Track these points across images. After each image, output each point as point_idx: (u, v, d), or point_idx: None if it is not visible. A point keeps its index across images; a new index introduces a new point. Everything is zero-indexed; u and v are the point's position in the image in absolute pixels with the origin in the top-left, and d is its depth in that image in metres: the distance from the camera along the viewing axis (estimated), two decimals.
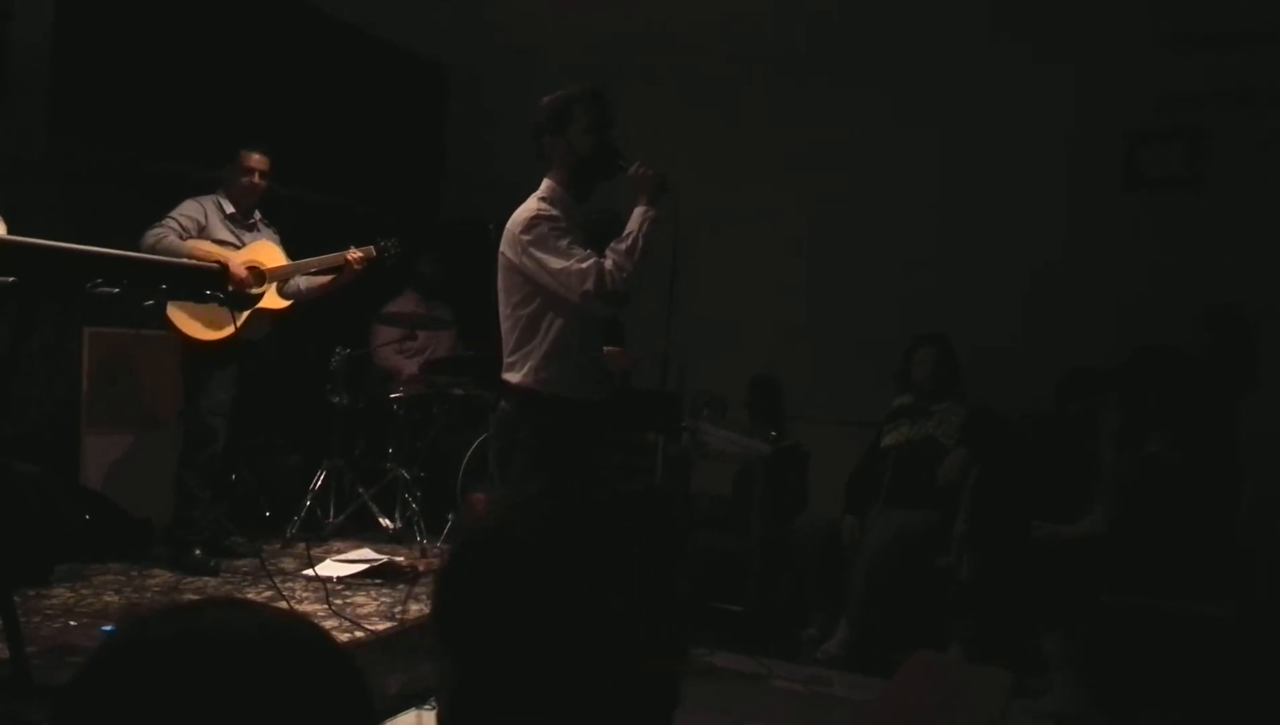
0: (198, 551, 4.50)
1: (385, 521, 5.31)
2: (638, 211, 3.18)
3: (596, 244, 3.23)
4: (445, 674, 0.97)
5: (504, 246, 3.22)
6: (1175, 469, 4.12)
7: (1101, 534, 4.15)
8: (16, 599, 2.85)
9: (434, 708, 3.58)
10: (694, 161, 5.39)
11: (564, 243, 3.10)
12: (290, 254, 4.78)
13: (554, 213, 3.16)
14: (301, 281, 4.78)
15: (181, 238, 4.42)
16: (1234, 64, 5.30)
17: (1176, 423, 4.22)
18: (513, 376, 3.20)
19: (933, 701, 2.15)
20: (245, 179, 4.67)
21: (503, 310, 3.27)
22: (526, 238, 3.13)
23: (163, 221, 4.43)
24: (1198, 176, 5.41)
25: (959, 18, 5.79)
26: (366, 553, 4.82)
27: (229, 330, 4.40)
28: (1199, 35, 5.33)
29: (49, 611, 3.69)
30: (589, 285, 3.05)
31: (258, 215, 4.81)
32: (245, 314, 4.53)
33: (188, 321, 4.45)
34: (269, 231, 4.82)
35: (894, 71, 5.97)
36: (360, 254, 4.80)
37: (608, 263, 3.09)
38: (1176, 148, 5.46)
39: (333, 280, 4.84)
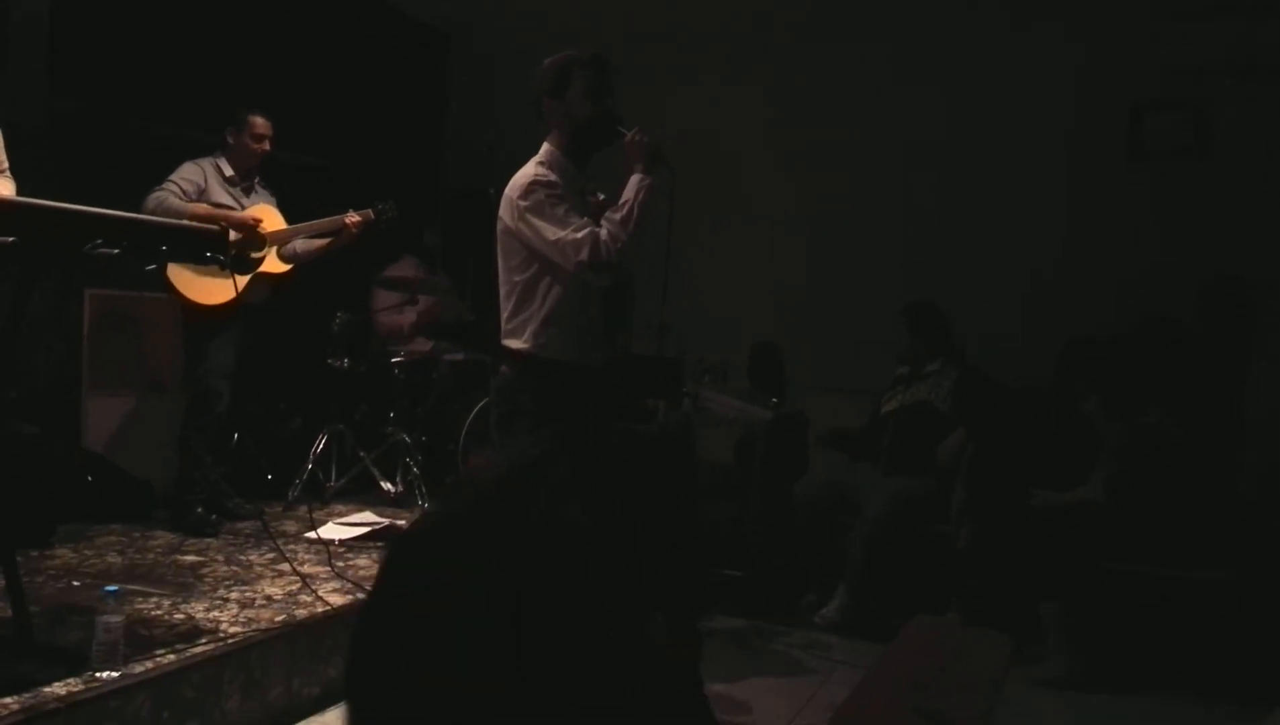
0: (199, 510, 4.51)
1: (386, 485, 5.32)
2: (634, 180, 3.15)
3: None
4: None
5: (502, 211, 3.20)
6: (1172, 437, 4.13)
7: (1099, 501, 4.17)
8: (19, 559, 2.86)
9: None
10: (694, 131, 5.37)
11: (560, 210, 3.08)
12: (288, 218, 4.77)
13: (552, 178, 3.14)
14: (298, 244, 4.77)
15: (182, 200, 4.41)
16: (1240, 36, 5.26)
17: (1175, 392, 4.23)
18: (512, 342, 3.20)
19: (933, 665, 2.16)
20: (255, 144, 4.65)
21: (501, 275, 3.25)
22: (524, 204, 3.10)
23: (163, 185, 4.42)
24: (1203, 148, 5.38)
25: None
26: (368, 516, 4.83)
27: (229, 294, 4.39)
28: (1205, 7, 5.29)
29: (51, 572, 3.70)
30: (584, 255, 3.03)
31: (256, 179, 4.79)
32: (247, 277, 4.53)
33: (189, 284, 4.44)
34: (266, 195, 4.80)
35: (897, 39, 5.93)
36: (358, 218, 4.80)
37: (603, 232, 3.07)
38: (1182, 119, 5.43)
39: (329, 243, 4.83)
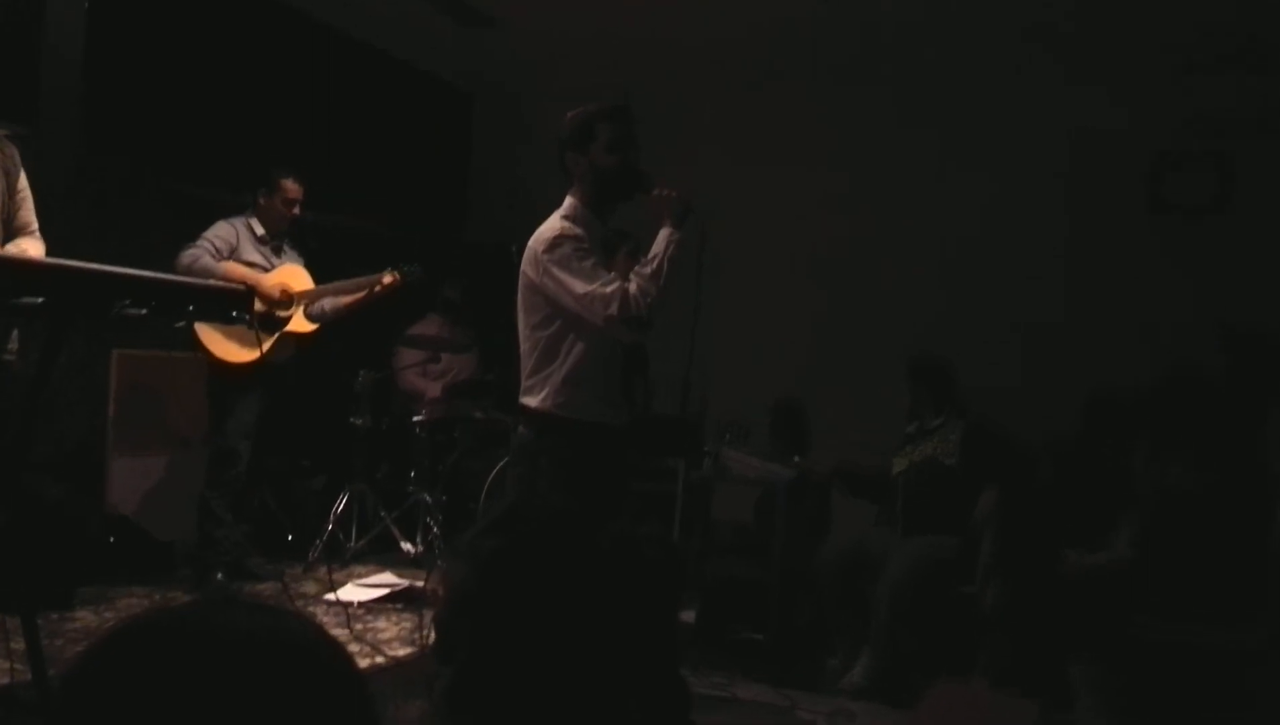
0: (220, 574, 4.51)
1: (407, 545, 5.30)
2: (663, 234, 3.09)
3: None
4: (440, 673, 0.97)
5: (525, 266, 3.13)
6: (1198, 494, 4.07)
7: (1127, 559, 4.10)
8: (39, 621, 2.85)
9: None
10: (714, 185, 5.40)
11: (587, 264, 3.02)
12: (316, 276, 4.82)
13: (578, 232, 3.07)
14: (325, 303, 4.82)
15: (215, 259, 4.47)
16: (1261, 89, 5.28)
17: (1199, 447, 4.18)
18: (531, 400, 3.12)
19: None
20: (285, 208, 4.72)
21: (522, 331, 3.18)
22: (548, 258, 3.03)
23: (196, 242, 4.48)
24: (1223, 202, 5.38)
25: (987, 41, 5.78)
26: (388, 577, 4.81)
27: (256, 353, 4.43)
28: (1226, 61, 5.32)
29: (72, 634, 3.70)
30: (613, 310, 2.96)
31: (285, 238, 4.85)
32: (274, 336, 4.57)
33: (218, 343, 4.48)
34: (294, 254, 4.86)
35: (920, 94, 5.98)
36: (391, 280, 4.85)
37: (632, 287, 2.99)
38: (1202, 173, 5.44)
39: (355, 301, 4.88)
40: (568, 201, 3.18)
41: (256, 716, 0.70)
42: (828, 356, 5.96)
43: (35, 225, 3.45)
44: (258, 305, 4.46)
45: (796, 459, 5.13)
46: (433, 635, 1.03)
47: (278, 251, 4.79)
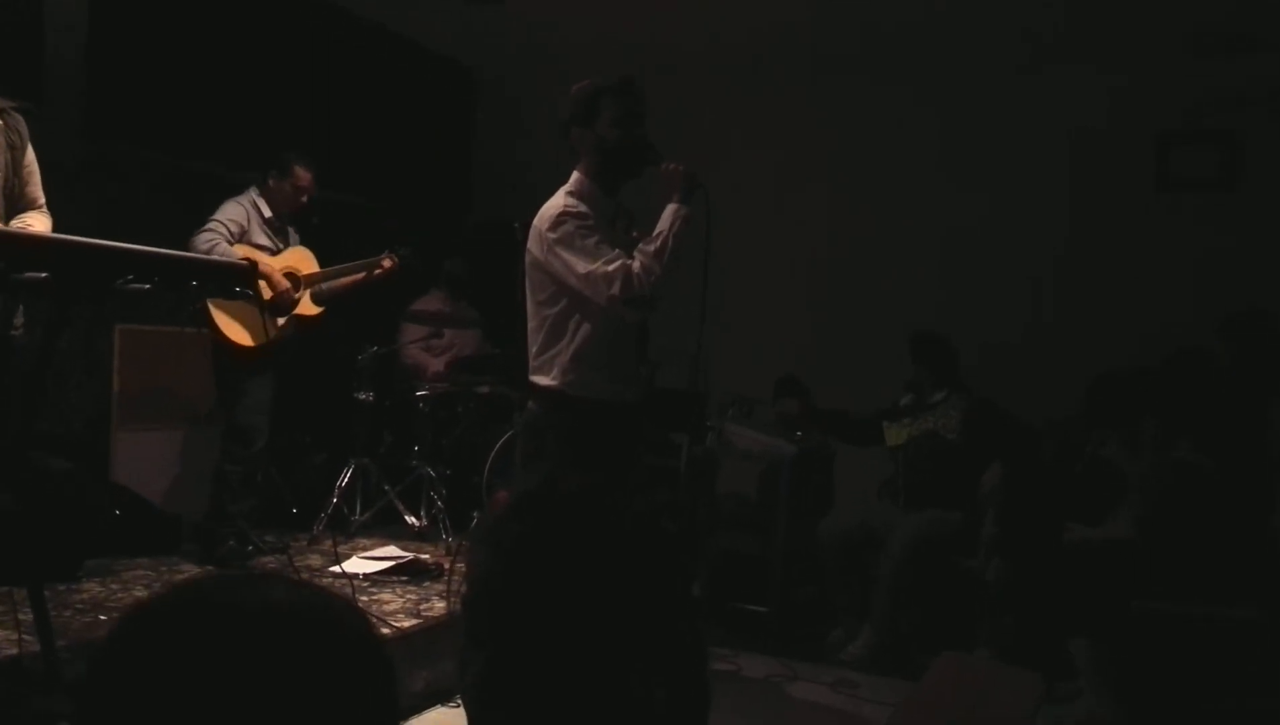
0: (231, 542, 4.53)
1: (411, 519, 5.32)
2: (669, 209, 3.03)
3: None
4: (470, 660, 0.98)
5: (530, 243, 3.09)
6: (1204, 473, 4.08)
7: (1129, 538, 4.11)
8: (46, 593, 2.87)
9: (458, 704, 3.57)
10: (719, 164, 5.38)
11: (591, 242, 2.96)
12: (316, 251, 4.82)
13: (582, 209, 3.02)
14: (325, 284, 4.82)
15: (230, 242, 4.43)
16: (1268, 68, 5.24)
17: (1205, 427, 4.18)
18: (540, 378, 3.10)
19: (962, 704, 2.13)
20: (296, 195, 4.69)
21: (529, 309, 3.15)
22: (553, 236, 2.99)
23: (209, 226, 4.42)
24: (1231, 179, 5.36)
25: (993, 20, 5.74)
26: (392, 550, 4.83)
27: (264, 337, 4.43)
28: (1233, 39, 5.28)
29: (79, 606, 3.72)
30: (615, 289, 2.91)
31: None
32: (283, 321, 4.57)
33: (228, 325, 4.46)
34: (296, 235, 4.86)
35: (924, 73, 5.93)
36: (390, 264, 4.86)
37: (635, 265, 2.94)
38: (1209, 151, 5.41)
39: (355, 281, 4.89)
40: (574, 177, 3.13)
41: (296, 687, 0.72)
42: (828, 342, 5.95)
43: (43, 200, 3.41)
44: (267, 293, 4.45)
45: (799, 434, 5.15)
46: (464, 619, 1.03)
47: (282, 233, 4.77)
